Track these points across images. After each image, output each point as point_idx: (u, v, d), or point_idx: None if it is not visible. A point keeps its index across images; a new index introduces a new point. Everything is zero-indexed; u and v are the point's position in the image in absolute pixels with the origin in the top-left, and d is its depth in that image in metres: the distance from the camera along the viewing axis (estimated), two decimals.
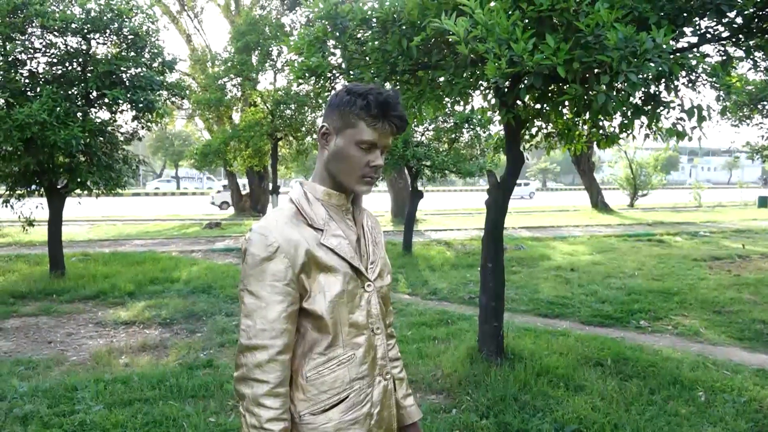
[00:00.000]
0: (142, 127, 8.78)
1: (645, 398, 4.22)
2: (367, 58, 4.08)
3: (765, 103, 8.01)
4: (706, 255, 11.39)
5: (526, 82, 3.08)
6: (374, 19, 3.83)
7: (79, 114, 7.64)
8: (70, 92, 7.73)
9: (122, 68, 7.81)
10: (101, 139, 8.14)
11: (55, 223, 8.49)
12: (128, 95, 7.70)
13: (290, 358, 1.44)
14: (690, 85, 3.76)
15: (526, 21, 3.09)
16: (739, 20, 3.23)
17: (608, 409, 4.00)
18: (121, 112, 8.34)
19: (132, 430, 3.65)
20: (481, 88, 4.43)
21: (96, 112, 8.23)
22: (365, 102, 1.42)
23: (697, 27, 3.37)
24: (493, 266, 4.82)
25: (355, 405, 1.48)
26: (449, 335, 5.87)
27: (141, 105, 7.95)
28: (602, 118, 4.15)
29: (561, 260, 11.02)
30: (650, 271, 9.65)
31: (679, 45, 3.61)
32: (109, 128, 8.29)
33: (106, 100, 7.73)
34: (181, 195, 46.73)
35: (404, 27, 3.58)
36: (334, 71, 4.19)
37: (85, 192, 8.44)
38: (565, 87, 3.30)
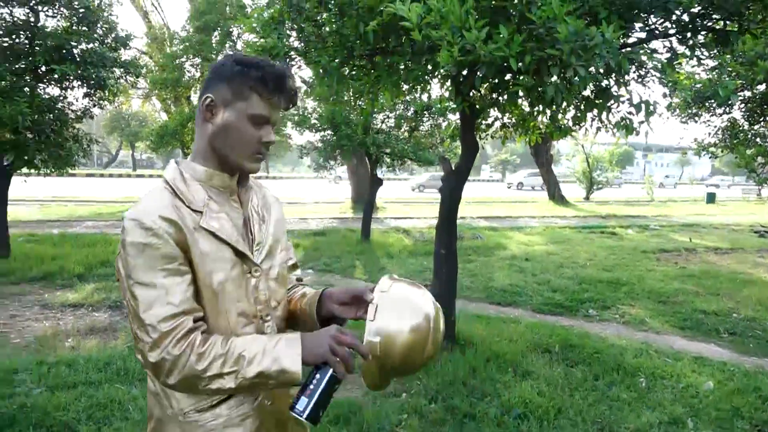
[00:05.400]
0: (94, 105, 8.49)
1: (589, 384, 4.36)
2: (325, 41, 4.05)
3: (711, 101, 8.28)
4: (655, 247, 11.77)
5: (479, 72, 3.11)
6: (331, 2, 3.79)
7: (26, 89, 7.34)
8: (16, 66, 7.41)
9: (72, 43, 7.54)
10: (50, 115, 7.83)
11: (0, 202, 8.17)
12: (78, 71, 7.44)
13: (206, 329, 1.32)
14: (639, 80, 3.86)
15: (481, 10, 3.11)
16: (685, 17, 3.32)
17: (553, 394, 4.11)
18: (72, 88, 8.05)
19: (75, 413, 3.57)
20: (439, 75, 4.45)
21: (45, 88, 7.93)
22: (260, 74, 1.31)
23: (646, 23, 3.45)
24: (446, 253, 4.88)
25: (245, 398, 1.39)
26: None
27: (92, 82, 7.69)
28: (556, 110, 4.24)
29: (516, 250, 11.21)
30: (601, 262, 9.92)
31: (630, 40, 3.69)
32: (59, 105, 8.00)
33: (56, 76, 7.44)
34: (137, 177, 45.61)
35: (361, 11, 3.56)
36: (291, 53, 4.14)
37: (33, 170, 8.15)
38: (519, 78, 3.34)
